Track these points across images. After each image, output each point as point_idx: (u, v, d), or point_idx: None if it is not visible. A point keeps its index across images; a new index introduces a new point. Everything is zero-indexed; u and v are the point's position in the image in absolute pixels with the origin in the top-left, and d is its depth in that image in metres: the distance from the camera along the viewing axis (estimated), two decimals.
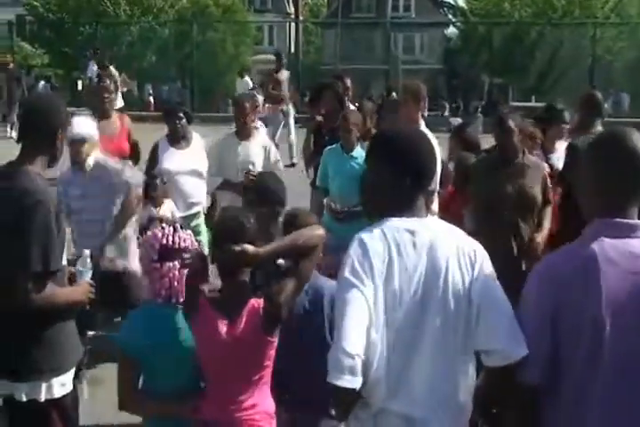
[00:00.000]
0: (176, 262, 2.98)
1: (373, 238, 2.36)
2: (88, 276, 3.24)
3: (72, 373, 3.18)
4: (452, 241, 2.43)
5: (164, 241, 3.00)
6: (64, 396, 3.12)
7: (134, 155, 6.97)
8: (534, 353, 2.25)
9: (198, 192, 6.23)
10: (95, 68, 17.24)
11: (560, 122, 6.18)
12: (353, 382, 2.25)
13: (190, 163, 6.15)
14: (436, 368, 2.38)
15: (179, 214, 6.02)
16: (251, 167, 5.93)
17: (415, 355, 2.36)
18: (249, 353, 2.83)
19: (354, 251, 2.36)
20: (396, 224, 2.40)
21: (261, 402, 2.90)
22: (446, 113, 24.73)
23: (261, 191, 3.78)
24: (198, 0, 33.32)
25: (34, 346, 3.03)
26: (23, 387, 3.04)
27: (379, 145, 2.57)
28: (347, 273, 2.33)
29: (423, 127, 5.64)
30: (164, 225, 3.13)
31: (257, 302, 2.85)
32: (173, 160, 6.12)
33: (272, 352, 2.86)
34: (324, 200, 6.01)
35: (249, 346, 2.81)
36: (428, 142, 2.57)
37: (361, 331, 2.27)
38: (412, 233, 2.39)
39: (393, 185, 2.45)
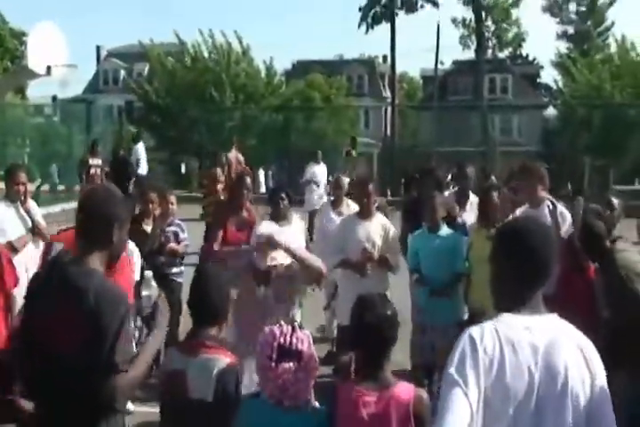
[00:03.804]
0: (291, 364, 2.94)
1: (484, 335, 2.30)
2: (154, 293, 3.15)
3: None
4: (571, 342, 2.35)
5: (282, 340, 2.97)
6: None
7: None
8: None
9: None
10: (141, 150, 17.66)
11: None
12: None
13: (292, 240, 6.32)
14: None
15: None
16: (368, 246, 6.17)
17: None
18: None
19: (462, 347, 2.30)
20: (510, 320, 2.35)
21: None
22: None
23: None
24: (302, 88, 34.43)
25: None
26: None
27: (497, 238, 2.58)
28: (452, 369, 2.27)
29: (558, 205, 5.84)
30: (282, 323, 3.09)
31: None
32: (279, 236, 6.34)
33: None
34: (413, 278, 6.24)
35: None
36: (547, 235, 2.52)
37: None
38: (529, 330, 2.32)
39: (509, 280, 2.43)
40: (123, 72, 47.29)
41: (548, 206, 5.87)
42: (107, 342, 2.80)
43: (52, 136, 24.41)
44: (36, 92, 42.55)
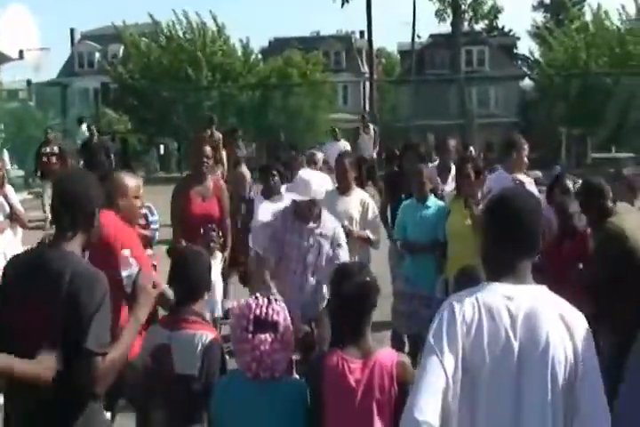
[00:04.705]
0: (267, 335, 2.97)
1: (463, 304, 2.36)
2: (134, 271, 3.12)
3: None
4: (553, 311, 2.38)
5: (258, 312, 3.00)
6: None
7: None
8: None
9: None
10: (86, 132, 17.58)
11: None
12: None
13: None
14: None
15: None
16: (346, 223, 6.11)
17: (513, 423, 2.31)
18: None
19: (441, 316, 2.36)
20: (493, 289, 2.39)
21: None
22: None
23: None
24: (279, 65, 34.18)
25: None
26: None
27: (486, 208, 2.64)
28: (430, 337, 2.34)
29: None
30: (257, 295, 3.10)
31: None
32: (269, 213, 6.43)
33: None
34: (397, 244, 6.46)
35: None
36: (535, 207, 2.54)
37: (433, 398, 2.26)
38: (509, 299, 2.36)
39: (496, 250, 2.47)
40: (97, 54, 46.76)
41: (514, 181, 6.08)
42: (83, 324, 2.74)
43: (28, 121, 24.13)
44: (9, 76, 41.93)
